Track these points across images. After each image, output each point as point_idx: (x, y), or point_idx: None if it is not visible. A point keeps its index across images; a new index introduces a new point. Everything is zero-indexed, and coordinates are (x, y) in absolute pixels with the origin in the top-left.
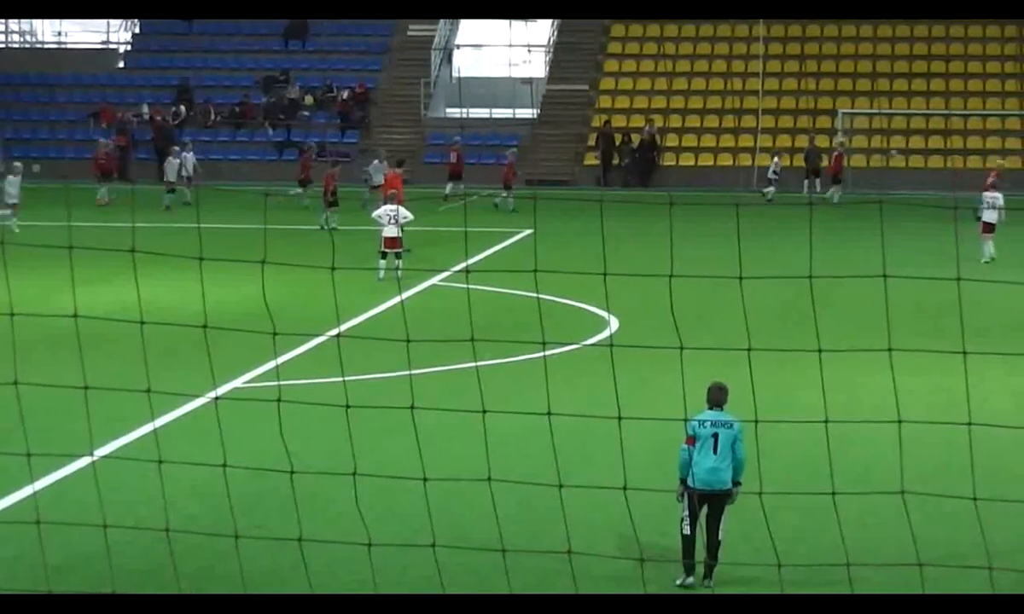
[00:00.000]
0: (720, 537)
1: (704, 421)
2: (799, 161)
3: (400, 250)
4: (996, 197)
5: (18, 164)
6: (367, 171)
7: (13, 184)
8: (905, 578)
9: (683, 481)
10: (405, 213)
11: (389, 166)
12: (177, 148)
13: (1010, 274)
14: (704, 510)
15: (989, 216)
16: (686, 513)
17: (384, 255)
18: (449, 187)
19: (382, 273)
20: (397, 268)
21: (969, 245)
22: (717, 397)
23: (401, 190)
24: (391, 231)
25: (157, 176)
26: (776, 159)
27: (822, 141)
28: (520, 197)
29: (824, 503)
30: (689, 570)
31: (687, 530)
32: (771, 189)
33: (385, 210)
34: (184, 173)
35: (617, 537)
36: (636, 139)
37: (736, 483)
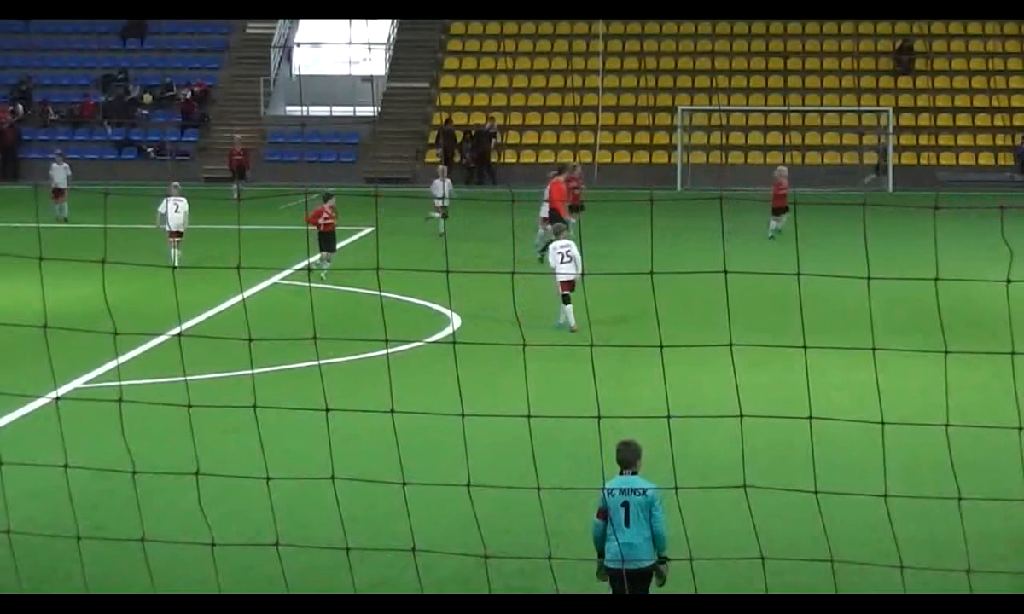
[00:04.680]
0: None
1: (612, 489)
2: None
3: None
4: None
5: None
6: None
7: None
8: (746, 573)
9: (601, 554)
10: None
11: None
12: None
13: (848, 268)
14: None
15: None
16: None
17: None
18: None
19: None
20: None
21: (811, 238)
22: (625, 456)
23: (561, 203)
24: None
25: None
26: None
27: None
28: (360, 195)
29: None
30: None
31: None
32: None
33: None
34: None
35: (461, 535)
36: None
37: (663, 560)
